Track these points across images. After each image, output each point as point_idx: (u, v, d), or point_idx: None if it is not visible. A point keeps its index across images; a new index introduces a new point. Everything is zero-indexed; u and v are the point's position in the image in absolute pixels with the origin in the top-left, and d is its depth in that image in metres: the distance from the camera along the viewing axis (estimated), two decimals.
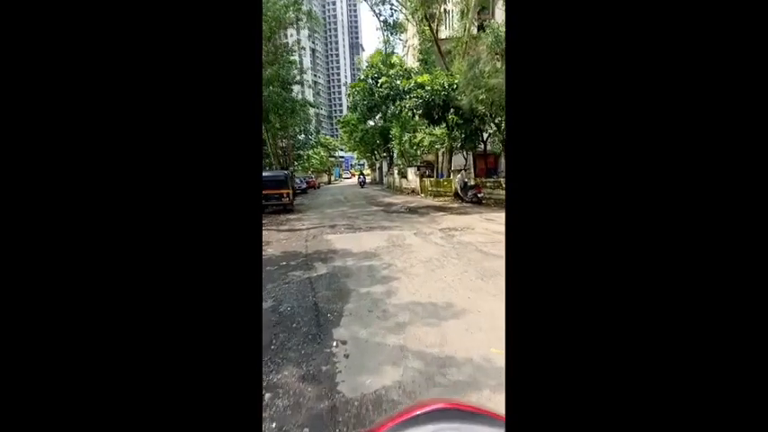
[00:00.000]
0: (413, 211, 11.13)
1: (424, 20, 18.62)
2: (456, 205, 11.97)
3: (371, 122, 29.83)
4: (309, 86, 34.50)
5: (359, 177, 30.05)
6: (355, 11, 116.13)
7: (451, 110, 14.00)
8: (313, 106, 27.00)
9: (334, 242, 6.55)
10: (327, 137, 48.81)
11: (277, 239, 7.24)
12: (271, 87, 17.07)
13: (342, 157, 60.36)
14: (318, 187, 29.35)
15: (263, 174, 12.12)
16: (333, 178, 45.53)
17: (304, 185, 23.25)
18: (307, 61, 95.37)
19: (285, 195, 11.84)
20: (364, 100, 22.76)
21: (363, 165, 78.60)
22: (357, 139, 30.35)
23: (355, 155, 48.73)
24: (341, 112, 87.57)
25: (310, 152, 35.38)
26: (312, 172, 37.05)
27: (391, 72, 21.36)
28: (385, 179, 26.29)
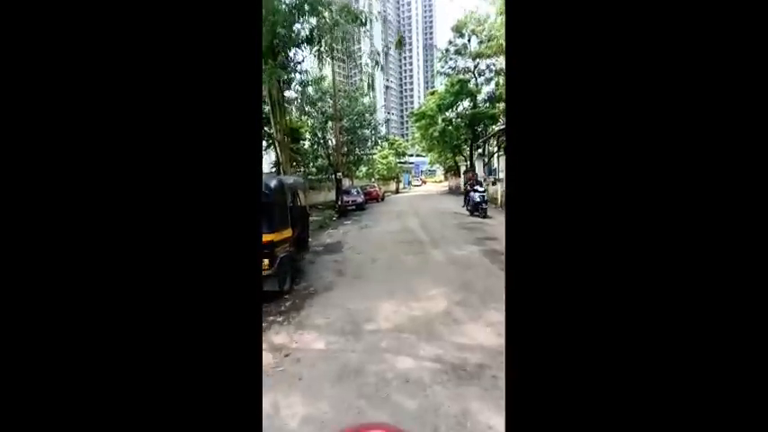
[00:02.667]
0: None
1: None
2: None
3: (453, 113, 21.92)
4: (380, 90, 27.73)
5: (467, 188, 12.59)
6: (431, 11, 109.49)
7: None
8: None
9: None
10: (396, 137, 41.69)
11: None
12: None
13: (411, 162, 53.07)
14: (382, 199, 21.93)
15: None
16: (401, 186, 38.23)
17: (360, 198, 15.95)
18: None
19: (269, 258, 3.82)
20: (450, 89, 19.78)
21: (435, 171, 70.80)
22: (435, 135, 22.56)
23: (429, 158, 41.00)
24: (412, 106, 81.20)
25: (376, 154, 28.66)
26: (377, 180, 30.20)
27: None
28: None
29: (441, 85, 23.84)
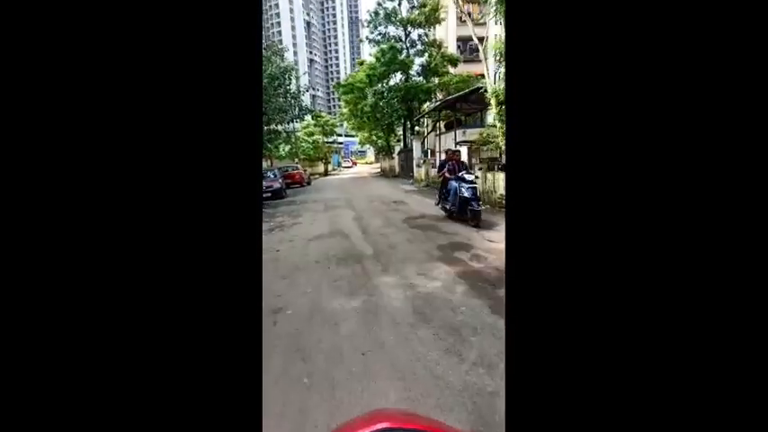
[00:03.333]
0: None
1: None
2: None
3: (385, 86, 19.42)
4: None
5: (443, 174, 7.14)
6: None
7: None
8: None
9: None
10: (323, 113, 37.63)
11: None
12: None
13: (340, 143, 49.78)
14: (308, 183, 18.74)
15: None
16: (330, 168, 34.96)
17: (278, 183, 12.62)
18: (300, 35, 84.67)
19: None
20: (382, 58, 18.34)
21: (366, 152, 67.76)
22: (367, 110, 19.95)
23: (359, 138, 38.07)
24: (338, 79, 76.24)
25: (300, 132, 24.83)
26: (302, 160, 26.57)
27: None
28: (416, 171, 15.81)
29: (369, 56, 21.03)
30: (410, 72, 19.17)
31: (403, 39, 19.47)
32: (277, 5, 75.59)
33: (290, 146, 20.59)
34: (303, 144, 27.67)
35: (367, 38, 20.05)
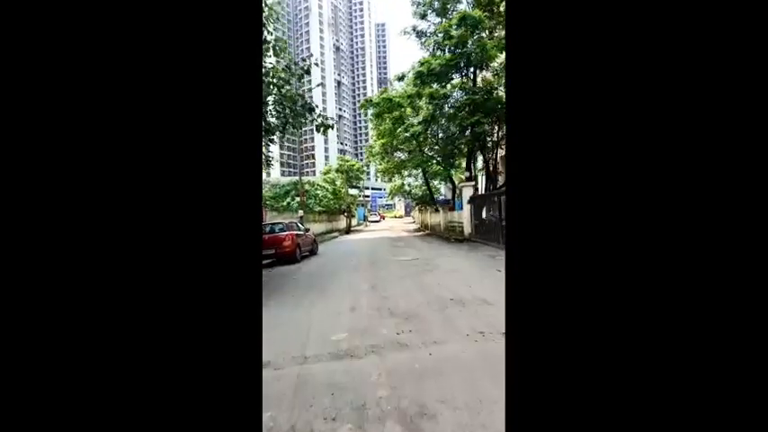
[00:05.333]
0: None
1: None
2: None
3: (449, 88, 11.96)
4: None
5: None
6: (384, 45, 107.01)
7: None
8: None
9: None
10: (347, 157, 31.04)
11: None
12: None
13: (367, 195, 43.26)
14: (314, 252, 10.54)
15: None
16: (355, 222, 27.71)
17: None
18: (331, 93, 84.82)
19: None
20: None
21: (393, 205, 60.13)
22: (414, 129, 12.40)
23: (388, 189, 31.06)
24: (367, 141, 71.93)
25: (317, 180, 17.77)
26: (318, 213, 19.34)
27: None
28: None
29: (401, 83, 13.65)
30: (475, 80, 12.02)
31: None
32: (307, 24, 76.14)
33: (294, 196, 13.02)
34: (320, 191, 20.71)
35: (409, 31, 13.19)
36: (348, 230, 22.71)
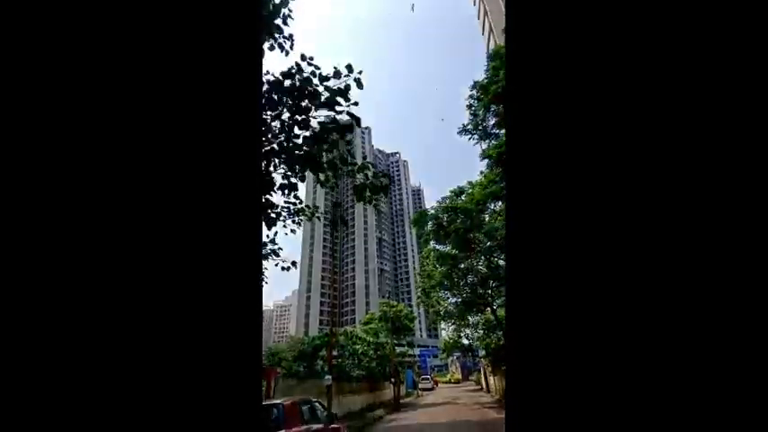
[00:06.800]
0: None
1: None
2: None
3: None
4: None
5: None
6: (421, 206, 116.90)
7: None
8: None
9: None
10: (392, 302, 26.44)
11: None
12: None
13: (412, 355, 36.16)
14: None
15: None
16: (405, 389, 20.87)
17: None
18: (372, 248, 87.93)
19: None
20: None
21: (447, 365, 47.95)
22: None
23: (442, 341, 24.79)
24: (408, 299, 66.95)
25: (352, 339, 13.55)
26: (357, 381, 14.14)
27: None
28: None
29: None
30: None
31: None
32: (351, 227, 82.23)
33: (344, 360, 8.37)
34: (359, 345, 15.86)
35: (464, 130, 11.32)
36: (398, 404, 16.37)
